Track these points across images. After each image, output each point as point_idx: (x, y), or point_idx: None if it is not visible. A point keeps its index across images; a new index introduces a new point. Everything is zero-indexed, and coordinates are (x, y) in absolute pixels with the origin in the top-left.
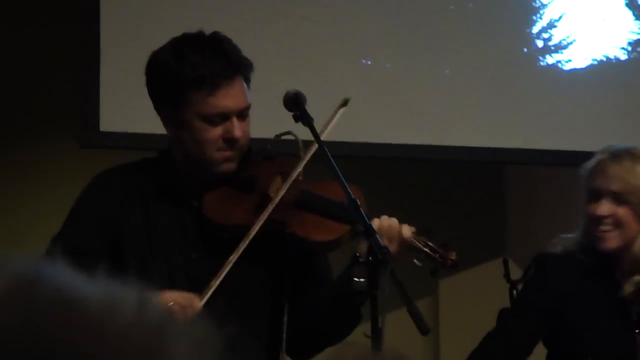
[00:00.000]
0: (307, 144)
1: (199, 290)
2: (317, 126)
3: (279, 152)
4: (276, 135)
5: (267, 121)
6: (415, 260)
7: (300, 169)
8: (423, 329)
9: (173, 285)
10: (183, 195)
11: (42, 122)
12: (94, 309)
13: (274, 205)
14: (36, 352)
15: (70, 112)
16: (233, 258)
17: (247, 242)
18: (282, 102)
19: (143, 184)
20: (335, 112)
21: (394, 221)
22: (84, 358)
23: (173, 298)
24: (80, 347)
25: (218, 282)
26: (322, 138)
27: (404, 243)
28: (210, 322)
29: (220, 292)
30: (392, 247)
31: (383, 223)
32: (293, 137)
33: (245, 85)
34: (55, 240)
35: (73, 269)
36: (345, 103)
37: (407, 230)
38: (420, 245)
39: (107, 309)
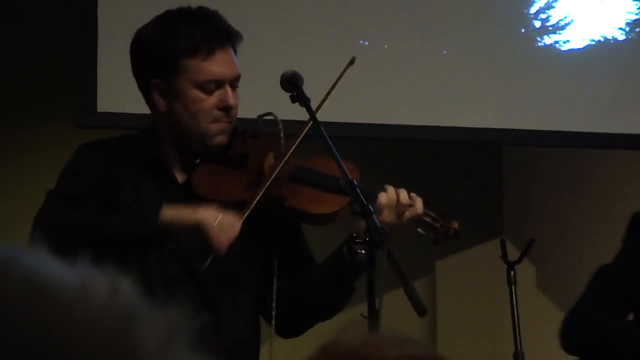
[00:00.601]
0: (302, 124)
1: (189, 267)
2: (316, 106)
3: (261, 131)
4: (258, 116)
5: (263, 102)
6: (419, 230)
7: (297, 143)
8: (420, 310)
9: (163, 261)
10: (169, 172)
11: (39, 102)
12: (65, 293)
13: (271, 178)
14: (4, 337)
15: (68, 92)
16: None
17: (246, 214)
18: (278, 83)
19: (130, 159)
20: (343, 71)
21: (403, 192)
22: (54, 342)
23: (220, 214)
24: (50, 331)
25: (255, 202)
26: (328, 98)
27: (415, 216)
28: (184, 308)
29: (209, 270)
30: (402, 220)
31: (392, 196)
32: (273, 118)
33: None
34: (50, 192)
35: (49, 255)
36: (352, 62)
37: (420, 203)
38: (423, 215)
39: (78, 293)
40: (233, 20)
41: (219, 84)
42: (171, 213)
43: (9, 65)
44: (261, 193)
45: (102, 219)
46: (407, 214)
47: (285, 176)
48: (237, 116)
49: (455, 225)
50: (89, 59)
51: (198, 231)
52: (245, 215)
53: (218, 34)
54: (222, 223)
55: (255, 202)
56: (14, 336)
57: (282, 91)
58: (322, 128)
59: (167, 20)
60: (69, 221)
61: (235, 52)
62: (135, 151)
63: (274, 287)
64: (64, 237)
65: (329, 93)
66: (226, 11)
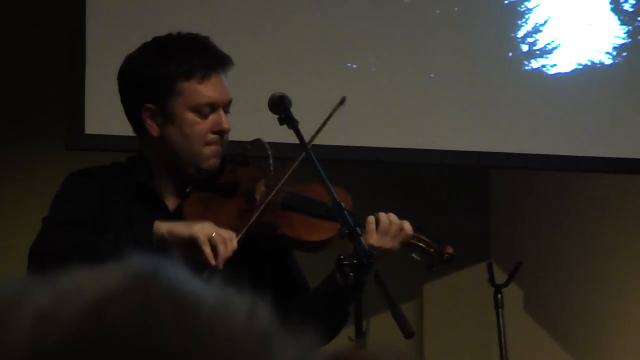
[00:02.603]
0: (286, 146)
1: None
2: (305, 128)
3: (250, 157)
4: (247, 143)
5: (251, 124)
6: (413, 255)
7: (289, 173)
8: (407, 333)
9: None
10: (160, 199)
11: (27, 124)
12: (206, 312)
13: (264, 205)
14: (146, 351)
15: (56, 114)
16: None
17: (240, 236)
18: (266, 106)
19: (120, 187)
20: (333, 110)
21: (393, 217)
22: (193, 357)
23: (215, 229)
24: (190, 349)
25: (249, 224)
26: (318, 136)
27: (405, 239)
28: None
29: None
30: (394, 244)
31: (383, 219)
32: (262, 143)
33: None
34: (46, 219)
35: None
36: (342, 102)
37: (408, 226)
38: (416, 240)
39: (218, 313)
40: (222, 44)
41: (213, 107)
42: (165, 227)
43: None
44: (255, 217)
45: (96, 239)
46: (398, 238)
47: (277, 203)
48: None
49: (450, 250)
50: (77, 81)
51: (192, 246)
52: (239, 236)
53: (212, 58)
54: (217, 239)
55: (249, 225)
56: (157, 343)
57: (271, 114)
58: (311, 152)
59: (159, 46)
60: (65, 245)
61: (225, 76)
62: (126, 178)
63: None
64: (61, 261)
65: (318, 132)
66: (215, 36)
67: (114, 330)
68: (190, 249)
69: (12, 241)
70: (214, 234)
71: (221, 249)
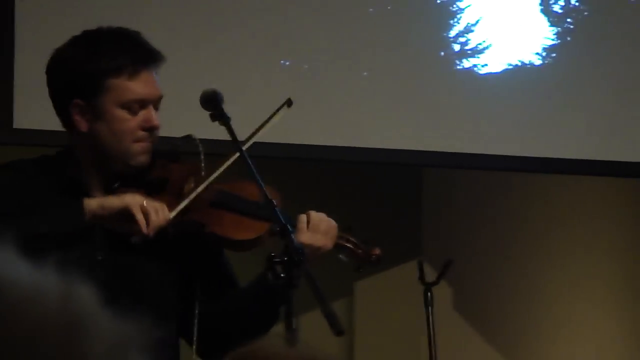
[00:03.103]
0: (218, 143)
1: (109, 292)
2: (237, 125)
3: (182, 153)
4: (178, 139)
5: (183, 121)
6: (340, 256)
7: (219, 171)
8: (337, 330)
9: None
10: (88, 194)
11: None
12: (19, 293)
13: (191, 197)
14: None
15: None
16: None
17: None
18: (198, 101)
19: (47, 181)
20: (277, 111)
21: (323, 216)
22: (2, 346)
23: (146, 199)
24: None
25: (187, 201)
26: (260, 136)
27: (335, 236)
28: (137, 322)
29: (126, 293)
30: (326, 242)
31: (313, 217)
32: (193, 139)
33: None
34: None
35: (12, 255)
36: (289, 104)
37: (335, 224)
38: (344, 241)
39: (30, 297)
40: (154, 38)
41: (143, 104)
42: (96, 202)
43: None
44: (187, 201)
45: (25, 220)
46: (329, 235)
47: (207, 201)
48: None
49: (377, 251)
50: (6, 73)
51: (125, 216)
52: (172, 216)
53: (142, 54)
54: (149, 207)
55: (181, 207)
56: None
57: (203, 110)
58: (243, 150)
59: (89, 40)
60: None
61: (156, 73)
62: (53, 173)
63: (196, 311)
64: None
65: (258, 130)
66: (148, 29)
67: None
68: (122, 219)
69: None
70: (145, 203)
71: (153, 216)
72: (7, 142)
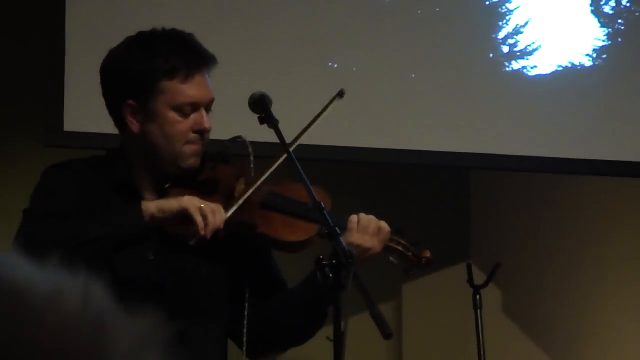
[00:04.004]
0: (264, 145)
1: (158, 292)
2: (285, 128)
3: (231, 155)
4: (228, 140)
5: (231, 124)
6: (390, 258)
7: (269, 172)
8: (386, 333)
9: (132, 287)
10: (139, 195)
11: (6, 121)
12: (36, 298)
13: (243, 198)
14: None
15: (35, 111)
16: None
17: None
18: (247, 104)
19: (100, 181)
20: (330, 102)
21: (373, 217)
22: (23, 346)
23: (203, 201)
24: (22, 337)
25: (241, 201)
26: (312, 127)
27: (384, 239)
28: (155, 318)
29: (175, 293)
30: (374, 244)
31: (363, 218)
32: (242, 141)
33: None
34: (26, 211)
35: (22, 259)
36: (340, 94)
37: (386, 226)
38: (394, 244)
39: (51, 299)
40: (204, 42)
41: (195, 106)
42: (154, 205)
43: None
44: (240, 201)
45: (83, 224)
46: (377, 237)
47: (257, 203)
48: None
49: (428, 254)
50: (56, 77)
51: (183, 218)
52: (229, 214)
53: (196, 57)
54: (206, 209)
55: (235, 207)
56: None
57: (252, 113)
58: (292, 154)
59: (143, 41)
60: (52, 235)
61: (208, 75)
62: (105, 173)
63: (245, 313)
64: (49, 252)
65: (312, 122)
66: (197, 33)
67: None
68: (180, 221)
69: None
70: (202, 205)
71: (210, 218)
72: (57, 144)
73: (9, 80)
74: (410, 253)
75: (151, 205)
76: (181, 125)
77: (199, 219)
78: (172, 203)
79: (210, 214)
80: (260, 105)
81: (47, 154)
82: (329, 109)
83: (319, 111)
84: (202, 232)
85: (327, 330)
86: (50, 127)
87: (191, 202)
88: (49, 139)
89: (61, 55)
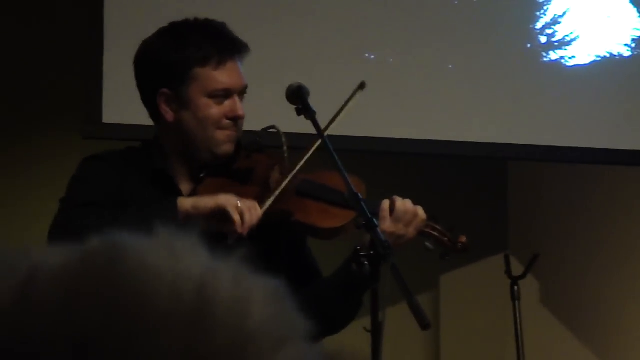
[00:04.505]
0: (307, 137)
1: None
2: (322, 119)
3: (266, 145)
4: (262, 130)
5: (267, 115)
6: (426, 244)
7: (305, 158)
8: (423, 324)
9: None
10: (174, 185)
11: (45, 113)
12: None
13: (279, 190)
14: (66, 335)
15: (74, 103)
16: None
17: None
18: (284, 95)
19: (135, 172)
20: (352, 95)
21: (408, 202)
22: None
23: (239, 198)
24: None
25: (276, 194)
26: (337, 121)
27: (419, 226)
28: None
29: None
30: (408, 231)
31: (398, 205)
32: (276, 131)
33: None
34: (63, 200)
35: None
36: (362, 86)
37: (422, 212)
38: (430, 229)
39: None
40: (239, 32)
41: (228, 93)
42: (190, 202)
43: (15, 75)
44: (275, 195)
45: (119, 214)
46: (412, 224)
47: (292, 190)
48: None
49: (464, 239)
50: (95, 70)
51: (219, 216)
52: (264, 209)
53: (228, 44)
54: (243, 207)
55: (270, 202)
56: (80, 323)
57: (288, 104)
58: (328, 142)
59: (176, 31)
60: (87, 223)
61: (241, 63)
62: (141, 164)
63: None
64: (84, 239)
65: (336, 116)
66: (233, 23)
67: (39, 310)
68: (216, 219)
69: (29, 229)
70: (239, 203)
71: (247, 216)
72: (96, 136)
73: (48, 74)
74: (446, 238)
75: (187, 202)
76: (214, 111)
77: (236, 217)
78: (208, 201)
79: (247, 211)
80: (298, 97)
81: (86, 145)
82: (351, 103)
83: (342, 104)
84: (239, 231)
85: (365, 321)
86: (89, 120)
87: (228, 201)
88: (88, 131)
89: (100, 47)
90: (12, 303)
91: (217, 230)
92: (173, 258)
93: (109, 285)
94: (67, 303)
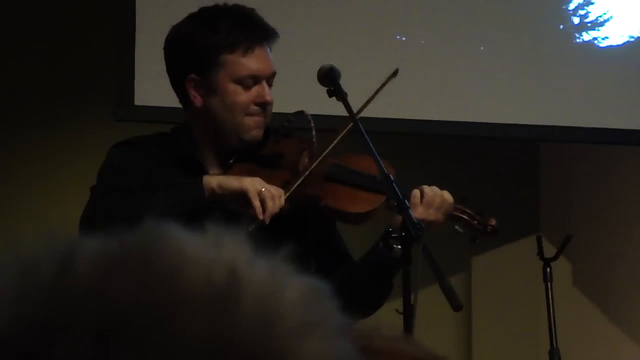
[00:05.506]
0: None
1: None
2: (353, 101)
3: (293, 129)
4: (290, 115)
5: (298, 97)
6: (456, 227)
7: (334, 143)
8: (455, 305)
9: None
10: (204, 170)
11: (77, 96)
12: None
13: (307, 173)
14: (105, 313)
15: (106, 86)
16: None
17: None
18: (315, 78)
19: (164, 158)
20: (385, 82)
21: (435, 189)
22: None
23: (265, 185)
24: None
25: (300, 180)
26: (369, 106)
27: (448, 210)
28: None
29: None
30: (438, 215)
31: (427, 192)
32: (305, 115)
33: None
34: (94, 188)
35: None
36: (395, 73)
37: (449, 196)
38: (459, 212)
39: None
40: (269, 17)
41: (256, 79)
42: (216, 181)
43: (47, 58)
44: (301, 179)
45: (147, 198)
46: (441, 210)
47: (321, 175)
48: (272, 111)
49: (493, 222)
50: (127, 52)
51: (242, 199)
52: (287, 195)
53: (257, 30)
54: (266, 194)
55: (295, 186)
56: (114, 300)
57: (320, 86)
58: (360, 124)
59: (205, 16)
60: (119, 209)
61: (270, 49)
62: (170, 149)
63: None
64: (113, 225)
65: (368, 101)
66: (262, 8)
67: (71, 294)
68: (239, 202)
69: (62, 210)
70: (263, 189)
71: (269, 204)
72: (129, 118)
73: (80, 57)
74: (475, 221)
75: (213, 180)
76: (242, 97)
77: (257, 203)
78: (233, 182)
79: (269, 199)
80: (329, 78)
81: (118, 128)
82: (385, 87)
83: (374, 87)
84: (260, 217)
85: (397, 303)
86: (122, 102)
87: (252, 185)
88: (121, 113)
89: (132, 32)
90: (55, 275)
91: (241, 212)
92: (212, 247)
93: (142, 268)
94: (101, 282)
